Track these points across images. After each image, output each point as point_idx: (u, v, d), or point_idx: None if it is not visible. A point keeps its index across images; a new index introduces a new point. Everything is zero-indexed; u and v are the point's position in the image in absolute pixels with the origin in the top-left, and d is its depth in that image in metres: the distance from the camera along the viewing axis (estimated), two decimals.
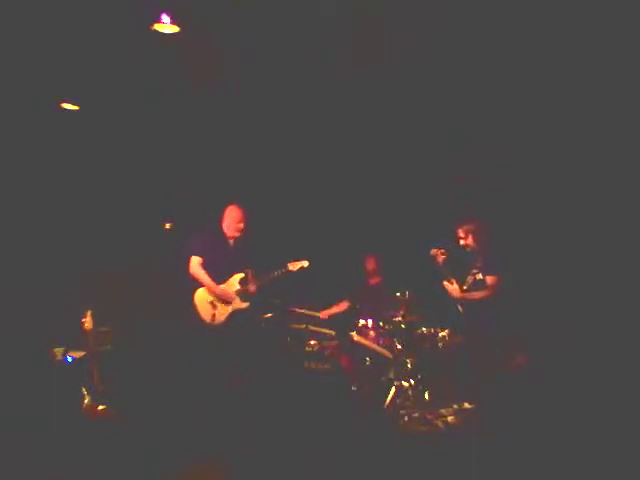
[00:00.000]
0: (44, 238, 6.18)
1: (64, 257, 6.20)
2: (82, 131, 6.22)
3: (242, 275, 5.53)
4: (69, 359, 5.30)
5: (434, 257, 5.26)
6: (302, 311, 5.95)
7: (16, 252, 5.98)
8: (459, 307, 5.22)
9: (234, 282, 5.51)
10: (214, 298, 5.40)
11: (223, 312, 5.42)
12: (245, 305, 5.54)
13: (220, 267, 5.44)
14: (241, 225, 5.52)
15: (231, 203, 5.60)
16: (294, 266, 5.64)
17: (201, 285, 5.39)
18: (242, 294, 5.52)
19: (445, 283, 5.17)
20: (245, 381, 5.17)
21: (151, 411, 4.87)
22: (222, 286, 5.45)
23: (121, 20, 4.24)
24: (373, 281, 6.13)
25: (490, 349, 4.68)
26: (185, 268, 5.42)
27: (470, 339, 4.91)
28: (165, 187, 6.89)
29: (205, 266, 5.42)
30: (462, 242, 5.18)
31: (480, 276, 5.04)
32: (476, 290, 5.05)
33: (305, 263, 5.67)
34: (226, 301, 5.43)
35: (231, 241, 5.58)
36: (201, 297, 5.39)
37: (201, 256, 5.42)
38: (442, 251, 5.24)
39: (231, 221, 5.53)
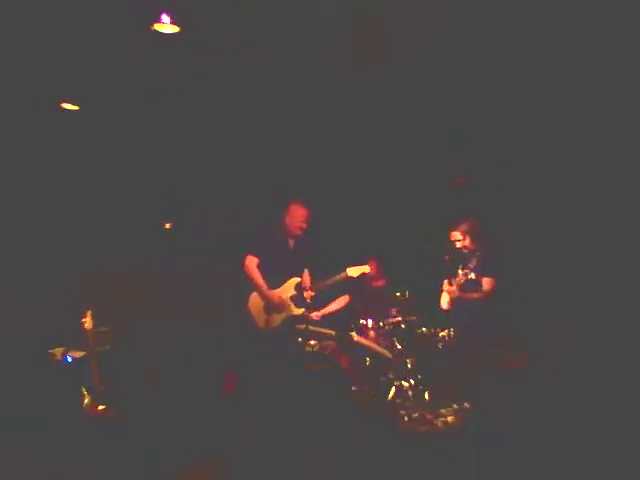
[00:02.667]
0: (44, 238, 6.18)
1: (64, 257, 6.20)
2: (82, 131, 6.23)
3: (298, 280, 5.25)
4: (69, 359, 5.30)
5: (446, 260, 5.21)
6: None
7: (16, 252, 5.98)
8: (446, 308, 5.26)
9: (290, 286, 5.22)
10: (266, 302, 5.14)
11: (277, 318, 5.16)
12: (300, 311, 5.21)
13: (278, 269, 5.14)
14: (305, 225, 5.21)
15: (294, 201, 5.28)
16: (355, 272, 5.31)
17: (254, 286, 5.13)
18: (298, 300, 5.22)
19: (445, 283, 5.18)
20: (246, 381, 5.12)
21: (151, 411, 4.87)
22: (277, 290, 5.16)
23: (121, 20, 4.24)
24: (376, 284, 6.05)
25: (487, 349, 4.68)
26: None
27: (467, 339, 4.92)
28: (165, 187, 6.89)
29: (262, 267, 5.14)
30: (459, 244, 5.19)
31: (472, 276, 5.05)
32: (468, 291, 5.08)
33: (366, 268, 5.35)
34: (278, 308, 5.14)
35: (291, 242, 5.29)
36: (255, 301, 5.15)
37: (258, 256, 5.13)
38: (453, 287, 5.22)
39: (295, 218, 5.21)
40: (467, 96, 5.27)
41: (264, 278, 5.14)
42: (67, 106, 5.73)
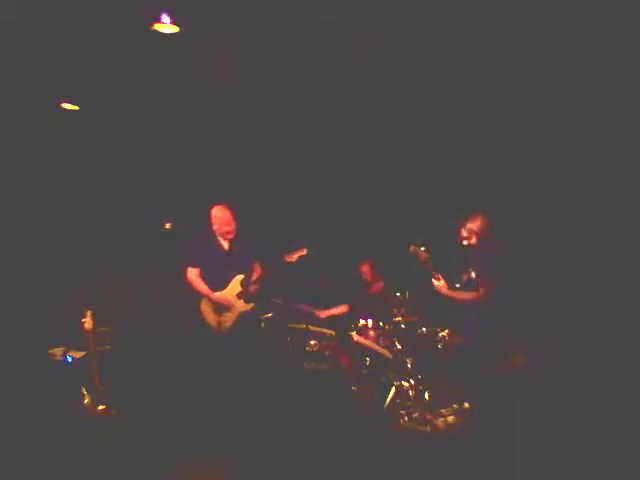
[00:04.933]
0: (44, 238, 6.19)
1: (64, 257, 6.20)
2: (82, 131, 6.23)
3: (242, 276, 5.44)
4: (69, 359, 5.30)
5: (415, 255, 5.12)
6: (303, 307, 5.89)
7: (17, 252, 5.98)
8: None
9: (236, 285, 5.42)
10: (215, 306, 5.37)
11: (229, 318, 5.38)
12: (250, 306, 5.47)
13: (218, 273, 5.35)
14: (231, 226, 5.38)
15: (216, 204, 5.44)
16: (292, 257, 5.44)
17: (200, 295, 5.37)
18: (245, 295, 5.43)
19: (433, 280, 5.13)
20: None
21: (151, 411, 4.87)
22: (222, 292, 5.37)
23: (121, 20, 4.24)
24: (374, 289, 6.05)
25: (487, 349, 4.67)
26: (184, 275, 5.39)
27: (466, 340, 4.91)
28: (165, 187, 6.89)
29: (203, 275, 5.36)
30: (465, 242, 5.13)
31: (474, 275, 5.02)
32: (468, 289, 5.02)
33: (303, 251, 5.46)
34: (226, 307, 5.37)
35: (225, 243, 5.46)
36: (205, 308, 5.39)
37: (196, 267, 5.36)
38: (422, 248, 5.16)
39: (220, 223, 5.39)
40: (467, 96, 5.27)
41: (208, 284, 5.36)
42: (67, 106, 5.74)
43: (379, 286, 6.00)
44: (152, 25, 4.28)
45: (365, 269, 6.00)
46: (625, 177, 4.78)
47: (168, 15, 4.20)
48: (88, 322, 4.86)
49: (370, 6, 4.10)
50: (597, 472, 3.63)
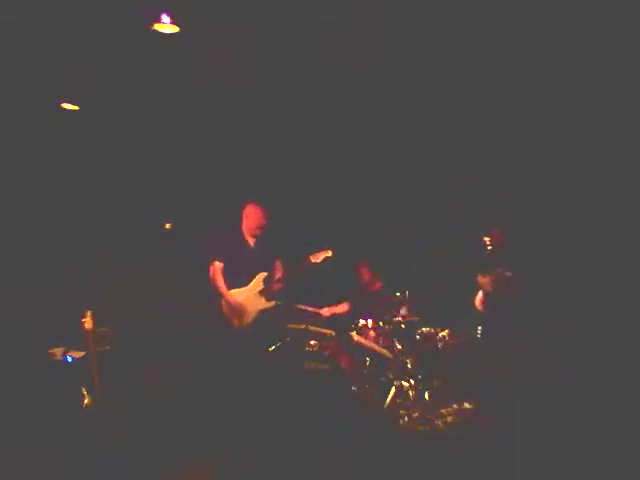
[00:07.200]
0: (45, 238, 6.18)
1: (64, 257, 6.20)
2: (82, 131, 6.23)
3: (266, 274, 5.49)
4: (69, 359, 5.30)
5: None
6: (305, 308, 5.90)
7: (17, 252, 5.98)
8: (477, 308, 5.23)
9: (258, 282, 5.48)
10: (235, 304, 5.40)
11: (249, 316, 5.43)
12: (271, 304, 5.52)
13: (242, 269, 5.41)
14: (263, 225, 5.49)
15: (249, 202, 5.55)
16: (316, 257, 5.48)
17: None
18: (267, 294, 5.48)
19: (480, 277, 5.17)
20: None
21: (151, 411, 4.87)
22: (245, 288, 5.43)
23: (121, 20, 4.24)
24: (372, 288, 6.06)
25: (498, 350, 4.68)
26: (203, 270, 5.43)
27: (487, 340, 4.91)
28: (165, 187, 6.89)
29: (227, 270, 5.40)
30: (495, 243, 5.14)
31: (509, 274, 5.02)
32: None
33: (328, 253, 5.51)
34: (239, 311, 5.39)
35: (252, 241, 5.56)
36: (226, 303, 5.43)
37: (221, 260, 5.41)
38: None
39: (252, 221, 5.50)
40: (468, 96, 5.27)
41: (231, 279, 5.40)
42: (67, 106, 5.74)
43: (377, 285, 6.01)
44: (152, 25, 4.28)
45: (362, 270, 6.01)
46: (627, 179, 4.78)
47: (168, 15, 4.21)
48: (88, 322, 4.86)
49: (370, 6, 4.10)
50: (597, 472, 3.63)
